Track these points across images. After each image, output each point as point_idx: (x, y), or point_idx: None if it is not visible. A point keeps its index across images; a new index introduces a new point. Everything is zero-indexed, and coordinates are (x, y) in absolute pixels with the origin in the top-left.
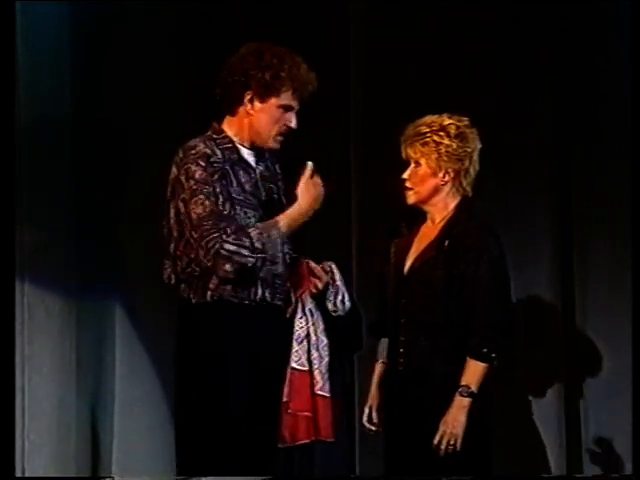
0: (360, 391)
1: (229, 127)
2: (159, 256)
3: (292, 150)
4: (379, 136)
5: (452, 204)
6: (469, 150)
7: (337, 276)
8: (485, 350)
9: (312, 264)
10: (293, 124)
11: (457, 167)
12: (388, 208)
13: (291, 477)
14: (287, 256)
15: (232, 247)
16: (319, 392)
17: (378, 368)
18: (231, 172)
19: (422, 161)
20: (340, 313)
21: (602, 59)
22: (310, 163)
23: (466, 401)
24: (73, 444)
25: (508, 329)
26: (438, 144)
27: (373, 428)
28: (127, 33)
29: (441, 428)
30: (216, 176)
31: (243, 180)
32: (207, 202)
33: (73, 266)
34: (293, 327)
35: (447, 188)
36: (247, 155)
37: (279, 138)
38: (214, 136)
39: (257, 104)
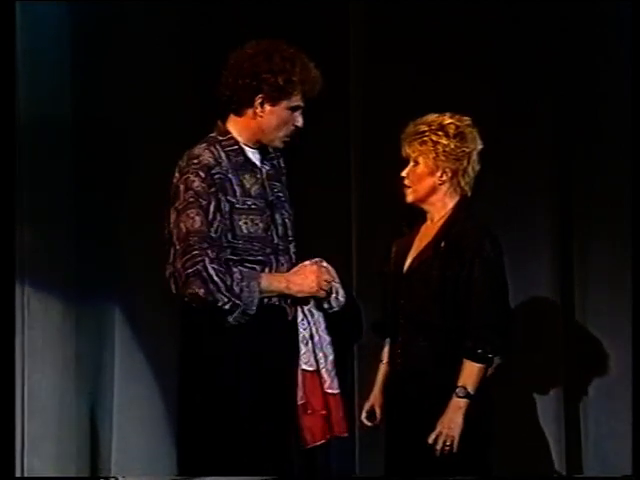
0: (360, 390)
1: (234, 127)
2: (159, 256)
3: (292, 150)
4: (379, 136)
5: (450, 204)
6: (467, 150)
7: (332, 272)
8: (480, 351)
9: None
10: (300, 123)
11: (455, 167)
12: (388, 208)
13: (299, 478)
14: (293, 256)
15: (214, 275)
16: (328, 390)
17: (382, 368)
18: (235, 179)
19: (420, 160)
20: (335, 309)
21: (602, 59)
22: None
23: (462, 402)
24: (73, 444)
25: (504, 330)
26: (436, 143)
27: (369, 424)
28: (127, 33)
29: (437, 428)
30: (214, 189)
31: (249, 185)
32: (197, 217)
33: (73, 266)
34: (297, 329)
35: (445, 188)
36: (252, 155)
37: (286, 139)
38: (219, 138)
39: (267, 107)
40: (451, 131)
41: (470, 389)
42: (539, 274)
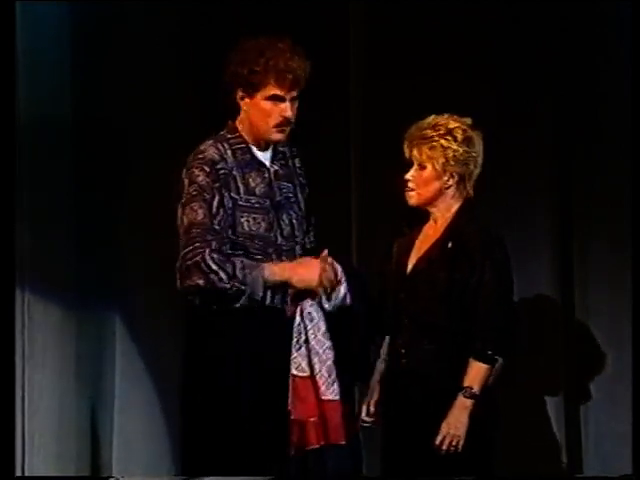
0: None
1: (241, 125)
2: (159, 257)
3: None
4: (379, 136)
5: (455, 206)
6: (475, 154)
7: (339, 271)
8: (490, 352)
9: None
10: (288, 114)
11: (462, 171)
12: (388, 208)
13: (294, 478)
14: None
15: (214, 266)
16: (323, 397)
17: (380, 366)
18: (240, 177)
19: (428, 164)
20: (332, 310)
21: (602, 59)
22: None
23: (468, 402)
24: (73, 444)
25: (511, 331)
26: (446, 148)
27: (368, 420)
28: (127, 33)
29: (443, 429)
30: (218, 183)
31: (254, 184)
32: (200, 210)
33: (73, 266)
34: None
35: (451, 191)
36: (260, 154)
37: (279, 129)
38: (228, 136)
39: (247, 100)
40: (459, 136)
41: (476, 389)
42: (539, 274)
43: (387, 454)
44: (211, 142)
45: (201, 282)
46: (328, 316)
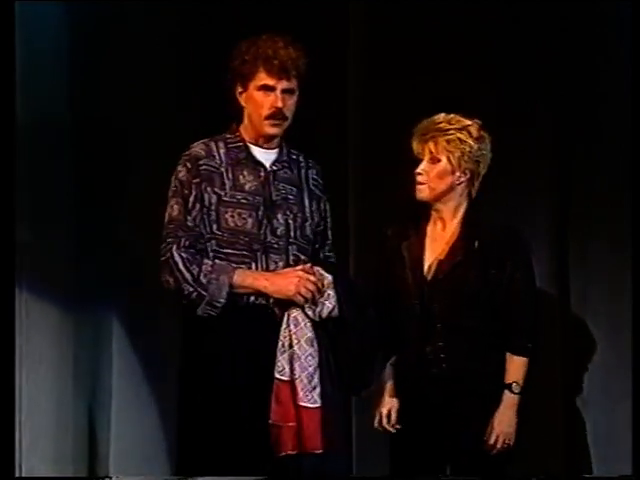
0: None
1: (242, 125)
2: (158, 257)
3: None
4: (379, 136)
5: (464, 204)
6: (485, 153)
7: (326, 282)
8: (530, 345)
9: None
10: (278, 104)
11: (474, 168)
12: (387, 208)
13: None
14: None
15: (180, 264)
16: (300, 403)
17: (390, 371)
18: (228, 173)
19: (443, 158)
20: (316, 319)
21: (602, 59)
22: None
23: (516, 398)
24: (71, 444)
25: (541, 325)
26: (463, 142)
27: (389, 427)
28: (127, 33)
29: (496, 428)
30: (198, 179)
31: (244, 180)
32: (176, 206)
33: (72, 266)
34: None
35: (460, 188)
36: (260, 154)
37: (270, 122)
38: (227, 135)
39: (244, 95)
40: (474, 133)
41: (521, 384)
42: (539, 274)
43: (396, 455)
44: (202, 141)
45: (171, 280)
46: (324, 325)
